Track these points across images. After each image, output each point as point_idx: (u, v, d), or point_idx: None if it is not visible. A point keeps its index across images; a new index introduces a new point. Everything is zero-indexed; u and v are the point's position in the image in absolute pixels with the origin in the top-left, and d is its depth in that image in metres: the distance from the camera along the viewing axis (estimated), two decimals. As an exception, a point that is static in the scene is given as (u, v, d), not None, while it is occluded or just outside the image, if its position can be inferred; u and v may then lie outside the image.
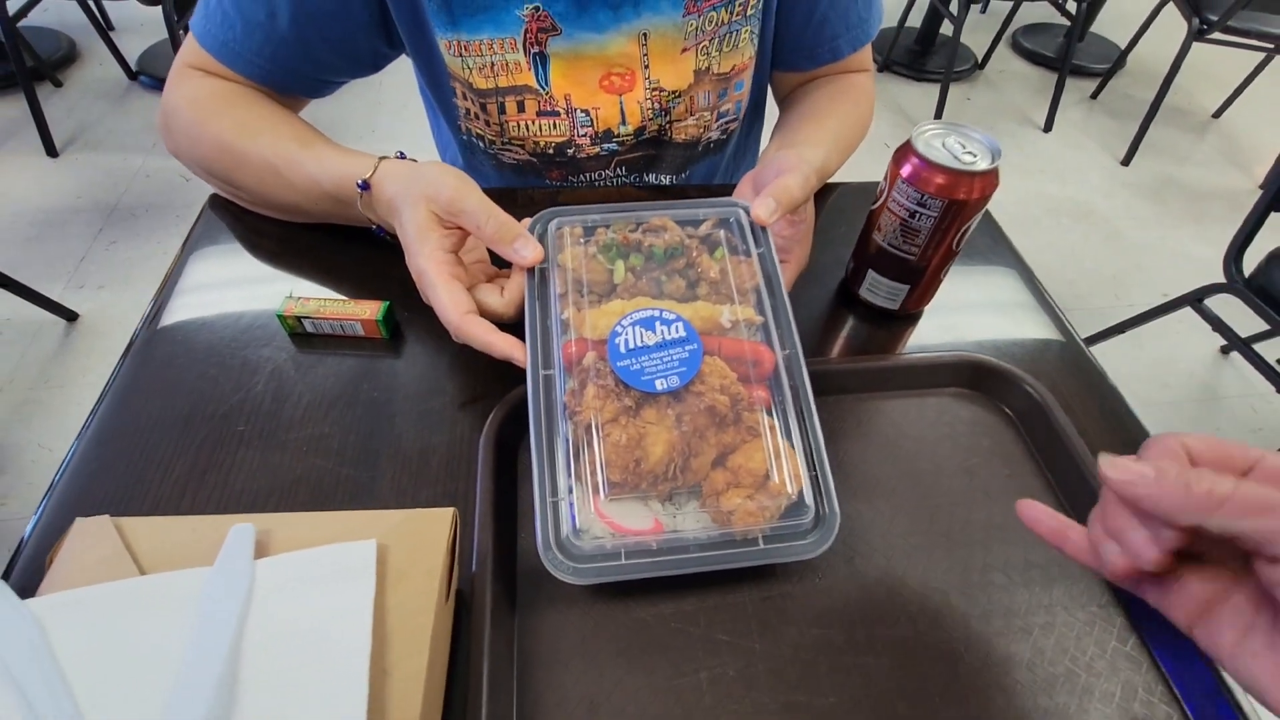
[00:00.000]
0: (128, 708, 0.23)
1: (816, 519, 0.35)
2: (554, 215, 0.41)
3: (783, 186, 0.42)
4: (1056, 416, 0.42)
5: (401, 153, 0.47)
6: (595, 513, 0.34)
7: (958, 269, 0.51)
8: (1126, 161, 2.20)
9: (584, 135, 0.60)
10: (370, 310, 0.46)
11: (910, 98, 2.40)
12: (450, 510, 0.31)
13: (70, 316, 1.52)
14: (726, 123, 0.65)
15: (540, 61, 0.56)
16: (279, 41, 0.52)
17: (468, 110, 0.60)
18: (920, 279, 0.47)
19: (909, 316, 0.51)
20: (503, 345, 0.38)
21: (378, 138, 2.08)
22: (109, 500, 0.38)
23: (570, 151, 0.61)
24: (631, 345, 0.35)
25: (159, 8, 1.80)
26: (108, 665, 0.24)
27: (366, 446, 0.41)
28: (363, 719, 0.24)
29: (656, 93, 0.59)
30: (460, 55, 0.55)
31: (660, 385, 0.34)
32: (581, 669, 0.33)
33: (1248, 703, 0.32)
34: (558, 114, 0.59)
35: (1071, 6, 2.21)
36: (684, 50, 0.57)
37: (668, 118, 0.61)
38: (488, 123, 0.60)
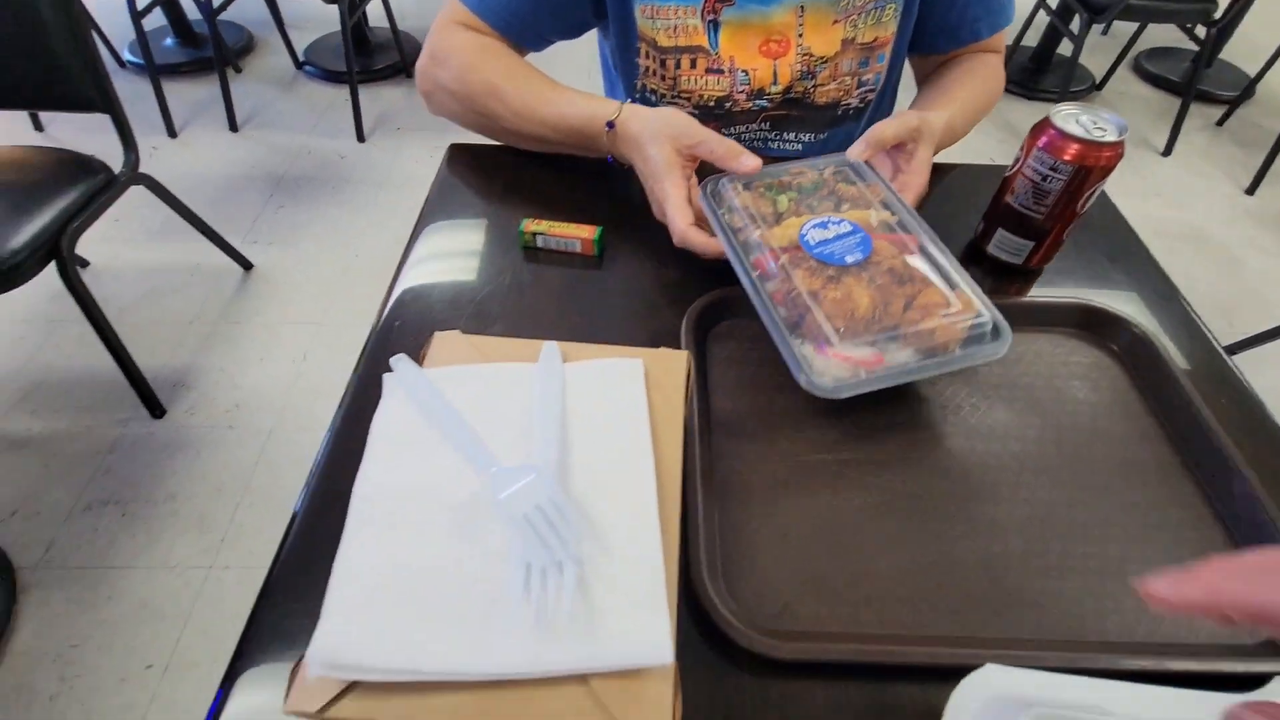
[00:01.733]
0: (505, 440, 0.36)
1: (995, 329, 0.45)
2: (718, 177, 0.55)
3: (874, 129, 0.54)
4: (1157, 349, 0.49)
5: (634, 98, 0.61)
6: (829, 356, 0.44)
7: (1083, 250, 0.59)
8: (1251, 191, 2.13)
9: (741, 92, 0.72)
10: (588, 232, 0.59)
11: (1021, 115, 2.40)
12: (686, 352, 0.43)
13: (247, 265, 1.76)
14: (865, 92, 0.74)
15: (713, 27, 0.68)
16: (520, 1, 0.67)
17: (647, 68, 0.72)
18: (1046, 237, 0.55)
19: (1030, 272, 0.59)
20: (716, 247, 0.51)
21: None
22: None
23: (727, 105, 0.73)
24: (817, 240, 0.48)
25: (334, 5, 2.05)
26: (483, 414, 0.37)
27: (587, 332, 0.54)
28: (651, 467, 0.35)
29: (806, 58, 0.69)
30: (651, 18, 0.68)
31: (850, 259, 0.47)
32: (765, 497, 0.44)
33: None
34: (722, 72, 0.70)
35: (1200, 32, 2.17)
36: (835, 22, 0.67)
37: (813, 80, 0.71)
38: (663, 77, 0.72)
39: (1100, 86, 2.57)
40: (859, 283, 0.46)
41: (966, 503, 0.43)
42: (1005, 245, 0.57)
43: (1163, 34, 2.67)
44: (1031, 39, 2.52)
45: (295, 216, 1.94)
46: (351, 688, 0.28)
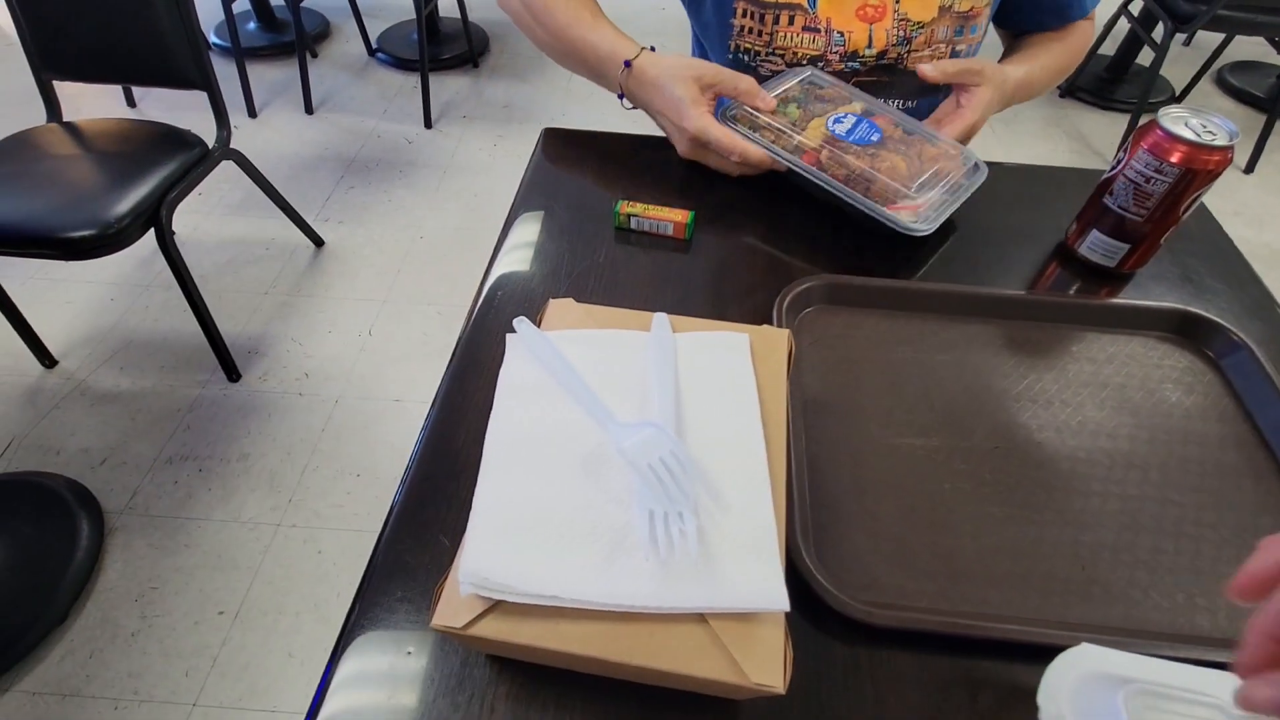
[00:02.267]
0: (622, 399, 0.38)
1: (976, 166, 0.63)
2: (736, 106, 0.66)
3: (944, 61, 0.66)
4: (1257, 356, 0.49)
5: (653, 46, 0.67)
6: (896, 210, 0.58)
7: (1177, 257, 0.59)
8: (1339, 213, 2.03)
9: (835, 53, 0.72)
10: (681, 216, 0.61)
11: (1093, 125, 2.34)
12: (787, 331, 0.44)
13: (319, 242, 1.84)
14: None
15: None
16: None
17: (743, 27, 0.73)
18: (1143, 241, 0.55)
19: (1121, 276, 0.59)
20: (771, 159, 0.61)
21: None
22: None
23: (820, 65, 0.73)
24: (844, 131, 0.63)
25: (411, -5, 2.11)
26: (600, 374, 0.39)
27: (680, 311, 0.56)
28: (760, 431, 0.37)
29: (903, 23, 0.70)
30: None
31: (874, 139, 0.63)
32: (854, 476, 0.45)
33: None
34: (818, 31, 0.71)
35: (1294, 44, 2.08)
36: None
37: (908, 46, 0.71)
38: (760, 34, 0.73)
39: (1180, 99, 2.47)
40: (891, 153, 0.61)
41: (1055, 493, 0.44)
42: (1098, 247, 0.57)
43: (1249, 47, 2.56)
44: (1109, 48, 2.44)
45: (364, 197, 2.02)
46: (491, 610, 0.31)
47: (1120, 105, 2.38)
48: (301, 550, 1.25)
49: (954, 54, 0.73)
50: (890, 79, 0.75)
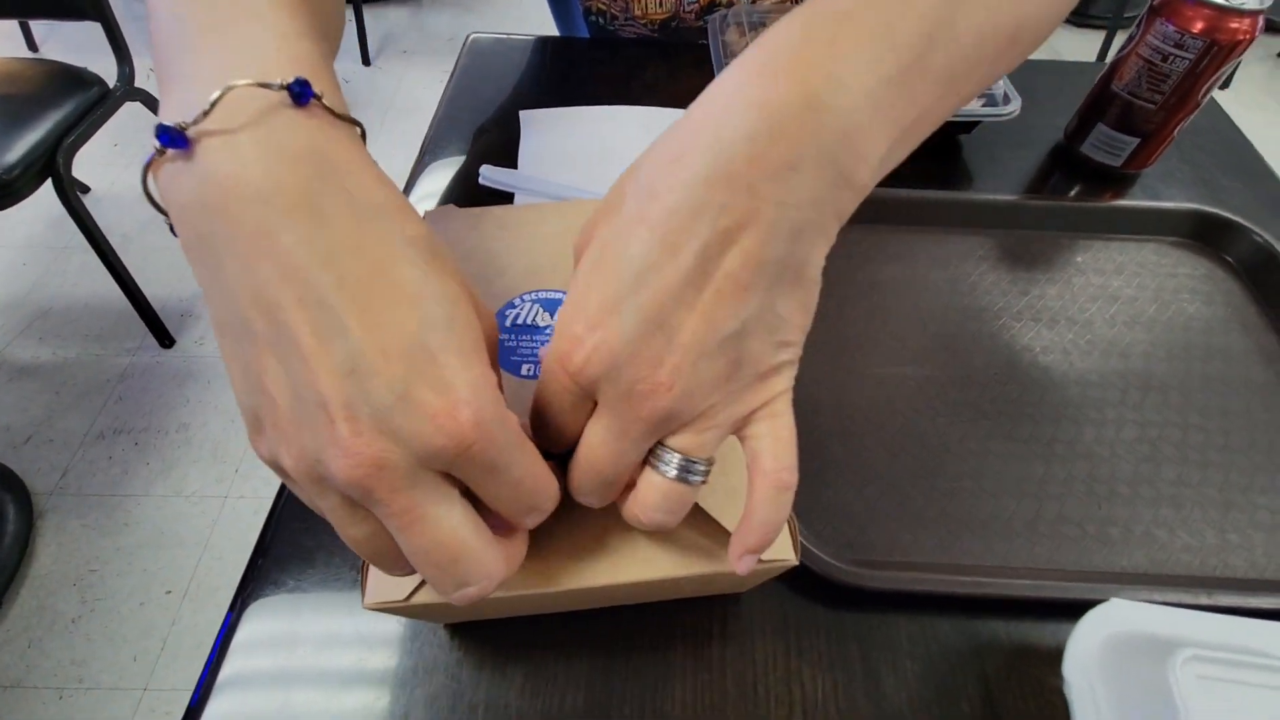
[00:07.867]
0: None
1: (1006, 97, 0.50)
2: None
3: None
4: (1285, 259, 0.43)
5: (302, 83, 0.18)
6: None
7: (1185, 153, 0.52)
8: (1314, 126, 1.99)
9: (690, 10, 0.64)
10: (628, 125, 0.52)
11: (1068, 45, 2.25)
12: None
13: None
14: None
15: None
16: None
17: None
18: (1155, 132, 0.48)
19: (1126, 177, 0.52)
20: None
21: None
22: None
23: (673, 25, 0.65)
24: None
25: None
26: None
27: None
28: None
29: None
30: None
31: None
32: (836, 414, 0.39)
33: None
34: None
35: (1275, -53, 1.99)
36: None
37: None
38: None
39: (1156, 12, 2.39)
40: None
41: (1065, 423, 0.38)
42: (1103, 142, 0.50)
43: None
44: (1085, -42, 2.33)
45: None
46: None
47: (1096, 22, 2.28)
48: (252, 522, 1.17)
49: None
50: None
